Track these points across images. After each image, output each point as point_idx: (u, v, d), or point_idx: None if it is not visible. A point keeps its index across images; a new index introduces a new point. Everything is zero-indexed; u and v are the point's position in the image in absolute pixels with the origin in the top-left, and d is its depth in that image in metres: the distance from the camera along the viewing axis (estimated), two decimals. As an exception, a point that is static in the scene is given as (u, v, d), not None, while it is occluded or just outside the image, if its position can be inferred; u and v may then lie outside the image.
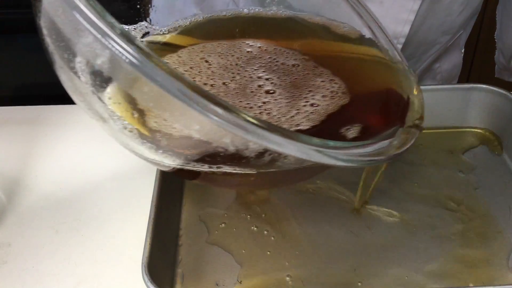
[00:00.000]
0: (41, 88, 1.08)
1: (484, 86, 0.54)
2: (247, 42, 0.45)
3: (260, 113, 0.37)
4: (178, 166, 0.34)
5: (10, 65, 1.09)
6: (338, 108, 0.38)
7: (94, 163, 0.56)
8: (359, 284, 0.42)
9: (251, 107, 0.37)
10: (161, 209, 0.42)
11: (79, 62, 0.30)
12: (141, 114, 0.32)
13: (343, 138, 0.35)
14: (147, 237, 0.39)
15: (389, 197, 0.49)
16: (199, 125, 0.29)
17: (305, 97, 0.39)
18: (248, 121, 0.27)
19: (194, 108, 0.26)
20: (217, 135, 0.29)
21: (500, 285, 0.41)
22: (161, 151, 0.33)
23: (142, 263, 0.37)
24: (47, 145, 0.58)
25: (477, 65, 1.24)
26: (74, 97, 0.34)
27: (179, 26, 0.46)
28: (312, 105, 0.38)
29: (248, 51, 0.43)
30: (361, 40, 0.45)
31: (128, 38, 0.26)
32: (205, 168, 0.33)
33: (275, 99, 0.38)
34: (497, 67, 0.73)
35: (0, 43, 1.08)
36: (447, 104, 0.54)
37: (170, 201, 0.47)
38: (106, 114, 0.33)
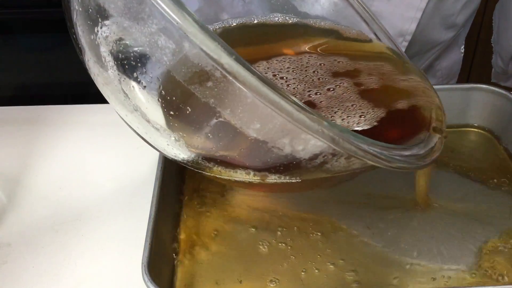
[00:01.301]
0: (41, 88, 1.08)
1: (484, 86, 0.54)
2: (312, 55, 0.42)
3: None
4: (225, 177, 0.33)
5: (10, 65, 1.09)
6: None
7: (94, 163, 0.56)
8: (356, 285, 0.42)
9: None
10: (161, 209, 0.42)
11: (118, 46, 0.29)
12: (190, 115, 0.30)
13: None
14: (147, 237, 0.39)
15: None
16: (260, 123, 0.28)
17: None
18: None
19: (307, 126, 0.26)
20: (278, 134, 0.28)
21: (500, 285, 0.41)
22: (205, 154, 0.32)
23: (142, 263, 0.37)
24: (47, 145, 0.58)
25: (477, 65, 1.24)
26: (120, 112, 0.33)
27: None
28: None
29: (321, 63, 0.41)
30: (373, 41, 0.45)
31: (210, 33, 0.25)
32: (249, 177, 0.32)
33: None
34: (494, 71, 0.73)
35: (0, 43, 1.08)
36: (447, 104, 0.54)
37: (170, 201, 0.47)
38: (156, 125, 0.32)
